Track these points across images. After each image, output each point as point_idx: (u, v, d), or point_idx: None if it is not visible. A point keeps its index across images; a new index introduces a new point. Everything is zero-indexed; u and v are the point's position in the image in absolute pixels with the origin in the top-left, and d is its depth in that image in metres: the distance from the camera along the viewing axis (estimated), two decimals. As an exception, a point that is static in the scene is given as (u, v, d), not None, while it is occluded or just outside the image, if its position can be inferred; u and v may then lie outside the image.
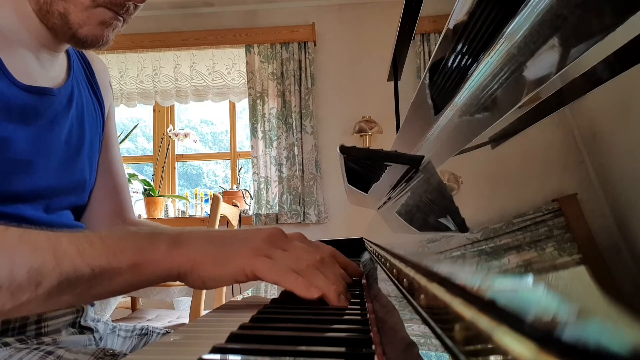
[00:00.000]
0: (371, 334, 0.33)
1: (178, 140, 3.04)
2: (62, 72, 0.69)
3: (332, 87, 3.05)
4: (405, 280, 0.32)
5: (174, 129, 3.09)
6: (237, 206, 2.16)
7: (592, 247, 0.13)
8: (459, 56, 0.38)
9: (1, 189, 0.57)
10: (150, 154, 3.36)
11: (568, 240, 0.14)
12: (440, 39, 0.44)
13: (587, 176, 0.14)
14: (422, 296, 0.25)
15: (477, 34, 0.32)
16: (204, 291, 1.66)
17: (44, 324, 0.61)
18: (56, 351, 0.54)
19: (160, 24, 3.17)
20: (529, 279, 0.15)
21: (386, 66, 1.40)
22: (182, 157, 3.38)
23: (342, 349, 0.30)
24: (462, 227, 0.26)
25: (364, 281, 0.64)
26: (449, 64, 0.41)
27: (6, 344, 0.55)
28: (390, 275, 0.42)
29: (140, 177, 3.02)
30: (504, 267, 0.18)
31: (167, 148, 3.18)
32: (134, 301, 2.24)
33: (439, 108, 0.45)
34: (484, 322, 0.15)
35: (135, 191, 3.02)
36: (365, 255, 1.01)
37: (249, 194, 3.05)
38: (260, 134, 2.99)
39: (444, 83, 0.44)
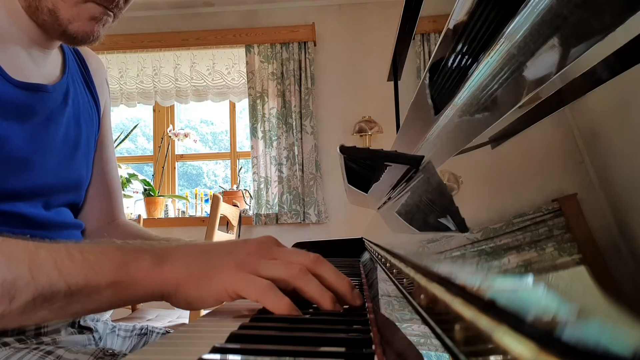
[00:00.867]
0: (371, 334, 0.33)
1: (178, 140, 3.04)
2: (57, 69, 0.69)
3: (332, 87, 3.05)
4: (405, 280, 0.32)
5: (174, 129, 3.09)
6: (237, 206, 2.16)
7: (592, 247, 0.13)
8: (459, 56, 0.38)
9: None
10: (150, 154, 3.36)
11: (568, 240, 0.14)
12: (440, 39, 0.44)
13: (587, 176, 0.14)
14: (422, 296, 0.25)
15: (477, 34, 0.32)
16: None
17: (44, 323, 0.61)
18: (56, 351, 0.54)
19: (160, 24, 3.17)
20: (529, 279, 0.15)
21: (386, 66, 1.40)
22: (182, 157, 3.38)
23: (342, 349, 0.30)
24: (462, 227, 0.26)
25: (364, 281, 0.64)
26: (449, 64, 0.41)
27: (5, 344, 0.55)
28: (390, 275, 0.42)
29: (140, 177, 3.02)
30: (504, 267, 0.18)
31: (167, 148, 3.18)
32: (134, 301, 2.24)
33: (439, 108, 0.45)
34: (484, 322, 0.15)
35: (135, 191, 3.02)
36: (365, 255, 1.01)
37: (249, 194, 3.05)
38: (260, 134, 2.99)
39: (444, 83, 0.44)
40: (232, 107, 3.31)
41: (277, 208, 2.95)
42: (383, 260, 0.52)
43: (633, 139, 0.12)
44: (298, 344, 0.31)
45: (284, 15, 3.11)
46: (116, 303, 0.44)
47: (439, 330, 0.20)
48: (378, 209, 0.97)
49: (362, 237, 1.16)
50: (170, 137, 3.06)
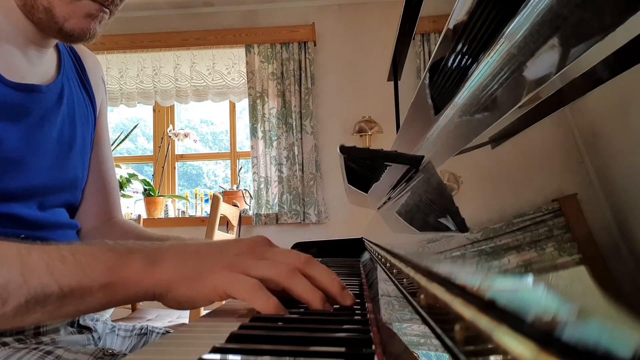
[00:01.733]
0: (371, 334, 0.33)
1: (178, 140, 3.04)
2: (52, 68, 0.69)
3: (332, 87, 3.05)
4: (405, 280, 0.32)
5: (174, 129, 3.09)
6: (237, 206, 2.16)
7: (592, 247, 0.13)
8: (459, 56, 0.38)
9: None
10: (150, 154, 3.36)
11: (568, 240, 0.14)
12: (440, 39, 0.44)
13: (587, 176, 0.14)
14: (422, 296, 0.25)
15: (477, 34, 0.32)
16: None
17: (41, 323, 0.61)
18: (55, 351, 0.54)
19: (160, 24, 3.17)
20: (529, 279, 0.15)
21: (386, 66, 1.40)
22: (182, 157, 3.38)
23: (342, 349, 0.30)
24: (462, 227, 0.26)
25: (363, 281, 0.64)
26: (449, 64, 0.41)
27: (5, 344, 0.55)
28: (390, 275, 0.42)
29: (140, 177, 3.02)
30: (504, 267, 0.18)
31: (167, 148, 3.18)
32: (133, 301, 2.23)
33: (439, 108, 0.45)
34: (484, 322, 0.15)
35: (135, 191, 3.02)
36: (365, 255, 1.01)
37: (249, 194, 3.05)
38: (260, 134, 2.99)
39: (444, 83, 0.44)
40: (232, 107, 3.32)
41: (277, 208, 2.95)
42: (383, 260, 0.52)
43: (633, 139, 0.12)
44: (298, 344, 0.31)
45: (284, 15, 3.11)
46: (109, 304, 0.44)
47: (439, 330, 0.20)
48: (378, 209, 0.97)
49: (362, 237, 1.16)
50: (170, 137, 3.06)
